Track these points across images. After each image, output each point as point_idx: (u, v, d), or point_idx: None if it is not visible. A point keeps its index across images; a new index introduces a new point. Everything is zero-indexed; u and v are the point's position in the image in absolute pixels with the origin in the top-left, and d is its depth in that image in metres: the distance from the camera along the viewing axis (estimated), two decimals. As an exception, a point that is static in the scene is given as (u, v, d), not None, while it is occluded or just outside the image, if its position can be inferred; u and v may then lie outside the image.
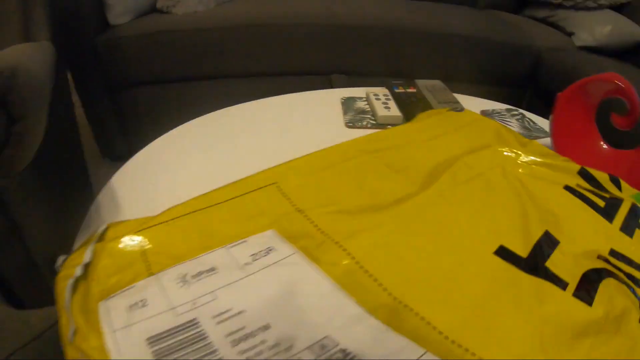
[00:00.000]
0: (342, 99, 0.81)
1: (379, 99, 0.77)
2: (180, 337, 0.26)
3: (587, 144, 0.67)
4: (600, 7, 1.75)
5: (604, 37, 1.65)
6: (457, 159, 0.47)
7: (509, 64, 1.62)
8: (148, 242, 0.33)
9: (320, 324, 0.27)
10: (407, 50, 1.50)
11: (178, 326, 0.26)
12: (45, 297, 0.55)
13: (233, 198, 0.39)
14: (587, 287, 0.33)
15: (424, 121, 0.59)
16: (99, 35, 1.30)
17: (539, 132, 0.77)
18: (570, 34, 1.74)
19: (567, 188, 0.44)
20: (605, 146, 0.67)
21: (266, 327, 0.27)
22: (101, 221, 0.40)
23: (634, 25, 1.68)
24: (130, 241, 0.33)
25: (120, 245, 0.32)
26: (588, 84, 0.65)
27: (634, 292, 0.33)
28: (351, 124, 0.71)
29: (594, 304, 0.31)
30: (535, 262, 0.35)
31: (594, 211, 0.42)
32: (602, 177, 0.49)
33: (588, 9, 1.75)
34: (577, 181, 0.47)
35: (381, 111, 0.73)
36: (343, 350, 0.26)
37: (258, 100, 0.80)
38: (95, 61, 1.30)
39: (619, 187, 0.48)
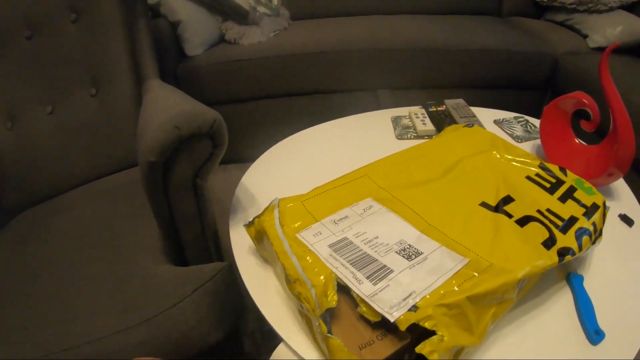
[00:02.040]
0: (391, 117, 1.23)
1: (418, 117, 1.18)
2: (341, 244, 0.67)
3: (564, 141, 1.06)
4: (612, 8, 2.03)
5: (616, 38, 1.94)
6: (464, 158, 0.89)
7: (529, 70, 1.97)
8: (309, 205, 0.74)
9: (398, 235, 0.69)
10: (439, 65, 1.89)
11: (338, 240, 0.67)
12: (203, 261, 0.94)
13: (345, 183, 0.81)
14: (523, 221, 0.73)
15: (448, 134, 0.99)
16: (179, 65, 1.73)
17: (537, 134, 1.16)
18: (585, 36, 2.05)
19: (527, 177, 0.85)
20: (577, 142, 1.06)
21: (377, 237, 0.68)
22: (244, 206, 0.86)
23: (644, 22, 1.94)
24: (300, 205, 0.74)
25: (295, 207, 0.74)
26: (564, 99, 1.03)
27: (550, 230, 0.72)
28: (400, 137, 1.14)
29: (523, 227, 0.72)
30: (498, 207, 0.76)
31: (540, 188, 0.82)
32: (554, 168, 0.87)
33: (600, 11, 2.04)
34: (536, 171, 0.86)
35: (420, 126, 1.14)
36: (409, 245, 0.67)
37: (332, 121, 1.22)
38: (177, 86, 1.73)
39: (565, 174, 0.86)
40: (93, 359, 0.75)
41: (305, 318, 0.63)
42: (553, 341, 0.67)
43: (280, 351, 0.65)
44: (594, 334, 0.66)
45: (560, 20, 2.23)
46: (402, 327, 0.54)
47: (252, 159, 1.06)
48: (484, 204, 0.77)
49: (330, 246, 0.66)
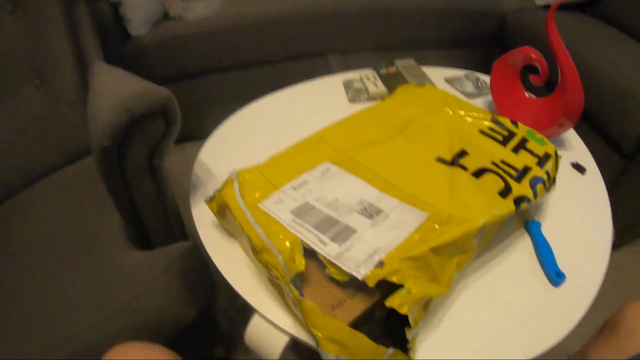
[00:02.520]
0: (343, 81, 1.24)
1: (370, 80, 1.20)
2: (303, 209, 0.68)
3: (514, 96, 1.10)
4: None
5: None
6: (418, 116, 0.92)
7: (478, 28, 2.03)
8: (268, 174, 0.75)
9: (358, 195, 0.70)
10: (389, 27, 1.92)
11: (300, 205, 0.68)
12: (169, 242, 0.95)
13: (302, 149, 0.82)
14: (478, 172, 0.76)
15: (401, 94, 1.01)
16: (124, 46, 1.69)
17: (487, 90, 1.20)
18: None
19: (480, 130, 0.88)
20: (527, 96, 1.10)
21: (338, 199, 0.69)
22: (204, 182, 0.89)
23: (592, -20, 2.01)
24: (259, 175, 0.75)
25: (254, 177, 0.75)
26: (512, 55, 1.06)
27: (504, 180, 0.76)
28: (353, 100, 1.15)
29: (479, 179, 0.75)
30: (453, 161, 0.79)
31: (494, 141, 0.85)
32: (506, 121, 0.91)
33: None
34: (489, 125, 0.90)
35: (372, 88, 1.16)
36: (370, 204, 0.69)
37: (284, 90, 1.22)
38: (124, 68, 1.69)
39: (517, 126, 0.90)
40: (74, 357, 0.76)
41: (276, 286, 0.65)
42: (517, 285, 0.72)
43: (255, 322, 0.66)
44: (555, 276, 0.71)
45: (507, -21, 2.27)
46: (371, 284, 0.56)
47: (207, 135, 1.05)
48: (440, 159, 0.80)
49: (292, 212, 0.67)
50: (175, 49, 1.74)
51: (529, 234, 0.81)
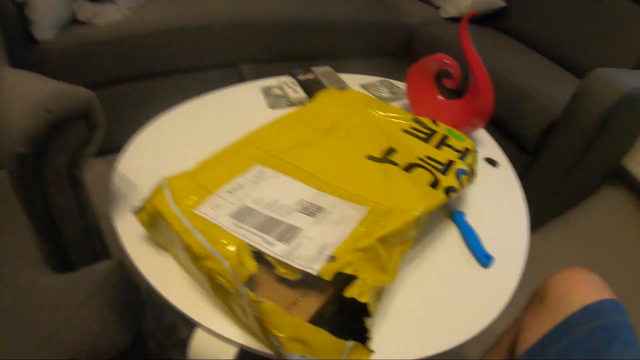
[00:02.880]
0: (261, 88, 1.24)
1: (289, 86, 1.21)
2: (242, 212, 0.67)
3: (430, 99, 1.17)
4: None
5: (467, 8, 2.17)
6: (343, 118, 0.95)
7: (387, 40, 2.13)
8: (200, 179, 0.73)
9: (296, 195, 0.71)
10: (299, 37, 1.96)
11: (239, 209, 0.67)
12: (92, 262, 0.87)
13: (232, 153, 0.81)
14: (408, 167, 0.80)
15: (323, 98, 1.04)
16: (29, 52, 1.56)
17: (402, 95, 1.26)
18: (437, 8, 2.27)
19: (404, 130, 0.93)
20: (441, 98, 1.17)
21: (276, 200, 0.69)
22: (125, 194, 0.85)
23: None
24: (191, 180, 0.73)
25: (186, 183, 0.73)
26: (427, 61, 1.13)
27: (433, 173, 0.80)
28: (273, 106, 1.16)
29: (410, 172, 0.79)
30: (384, 158, 0.83)
31: (417, 139, 0.90)
32: (427, 120, 0.97)
33: None
34: (411, 124, 0.95)
35: (292, 94, 1.17)
36: (310, 203, 0.70)
37: (201, 98, 1.20)
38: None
39: (437, 125, 0.96)
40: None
41: (220, 294, 0.63)
42: (451, 269, 0.78)
43: (198, 337, 0.64)
44: (484, 258, 0.78)
45: (413, -7, 2.41)
46: (327, 277, 0.57)
47: (120, 147, 1.00)
48: (370, 157, 0.84)
49: (231, 216, 0.66)
50: (83, 56, 1.65)
51: (455, 223, 0.87)
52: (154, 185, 0.73)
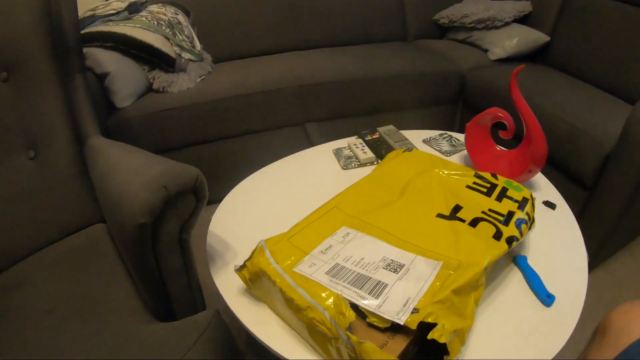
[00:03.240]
0: (332, 150, 1.39)
1: (357, 147, 1.35)
2: (335, 270, 0.81)
3: (488, 150, 1.27)
4: (507, 23, 2.36)
5: (513, 48, 2.27)
6: (413, 178, 1.09)
7: (442, 87, 2.24)
8: (295, 242, 0.88)
9: (380, 254, 0.85)
10: (360, 94, 2.11)
11: (332, 267, 0.82)
12: (190, 312, 1.01)
13: (320, 217, 0.96)
14: (473, 222, 0.92)
15: (392, 160, 1.18)
16: (109, 118, 1.75)
17: (462, 147, 1.38)
18: (485, 51, 2.36)
19: (467, 186, 1.05)
20: (498, 149, 1.28)
21: (363, 258, 0.84)
22: (220, 247, 1.01)
23: (535, 32, 2.30)
24: (287, 243, 0.88)
25: (283, 245, 0.87)
26: (482, 116, 1.24)
27: (495, 225, 0.91)
28: (345, 167, 1.30)
29: (476, 227, 0.90)
30: (452, 216, 0.95)
31: (480, 193, 1.02)
32: (487, 175, 1.08)
33: (497, 27, 2.36)
34: (473, 180, 1.07)
35: (362, 155, 1.31)
36: (392, 260, 0.83)
37: (277, 162, 1.36)
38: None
39: (496, 178, 1.07)
40: None
41: (317, 338, 0.76)
42: (518, 309, 0.87)
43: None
44: (546, 298, 0.87)
45: (461, 39, 2.55)
46: (413, 327, 0.69)
47: None
48: (440, 215, 0.96)
49: (327, 273, 0.80)
50: (159, 121, 1.81)
51: (518, 267, 0.97)
52: (251, 244, 0.89)
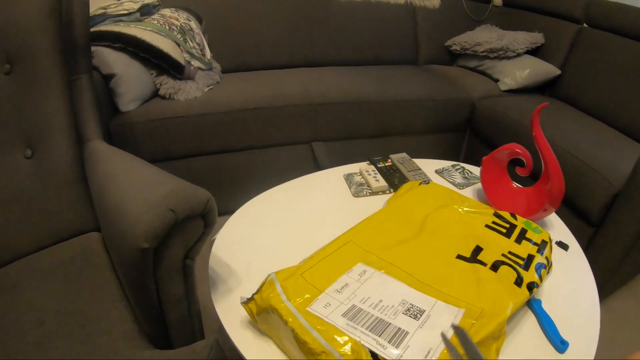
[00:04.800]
0: (344, 175, 1.34)
1: (369, 174, 1.31)
2: (352, 312, 0.75)
3: (504, 187, 1.23)
4: (519, 54, 2.34)
5: (524, 80, 2.24)
6: (431, 214, 1.04)
7: (451, 115, 2.22)
8: (308, 277, 0.83)
9: (399, 296, 0.79)
10: (371, 116, 2.07)
11: (349, 309, 0.76)
12: (188, 340, 0.95)
13: (334, 251, 0.91)
14: (494, 266, 0.87)
15: (408, 192, 1.14)
16: (111, 121, 1.70)
17: (474, 179, 1.33)
18: (496, 80, 2.34)
19: (486, 225, 1.01)
20: (514, 186, 1.23)
21: (381, 300, 0.78)
22: (222, 272, 0.94)
23: (547, 64, 2.29)
24: (300, 278, 0.83)
25: (296, 280, 0.82)
26: (500, 151, 1.20)
27: (516, 270, 0.87)
28: (356, 194, 1.25)
29: (497, 272, 0.85)
30: (473, 258, 0.90)
31: (499, 234, 0.98)
32: (506, 214, 1.04)
33: (509, 57, 2.34)
34: (492, 219, 1.02)
35: (374, 183, 1.26)
36: (412, 304, 0.77)
37: (286, 183, 1.30)
38: (109, 143, 1.64)
39: (515, 218, 1.03)
40: None
41: None
42: (533, 355, 0.82)
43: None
44: (560, 344, 0.83)
45: (472, 67, 2.53)
46: None
47: None
48: (460, 257, 0.92)
49: (343, 315, 0.75)
50: (163, 129, 1.78)
51: (532, 311, 0.91)
52: (258, 276, 0.83)
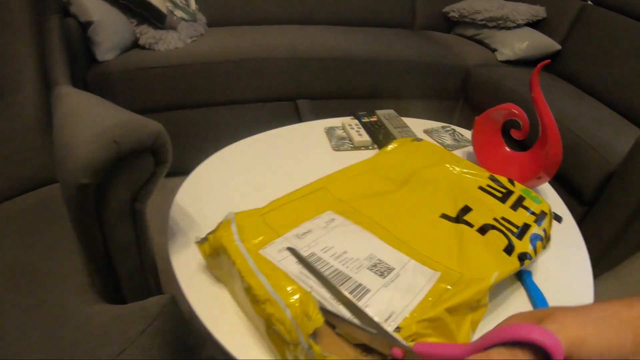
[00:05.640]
0: (325, 128, 1.21)
1: (352, 128, 1.18)
2: (310, 259, 0.63)
3: (496, 150, 1.12)
4: (519, 25, 2.24)
5: (522, 52, 2.15)
6: (419, 170, 0.91)
7: (444, 81, 2.11)
8: (269, 220, 0.71)
9: (366, 249, 0.67)
10: (357, 75, 1.95)
11: (307, 256, 0.64)
12: (143, 295, 0.81)
13: (303, 196, 0.79)
14: (483, 229, 0.75)
15: (397, 148, 1.01)
16: (88, 71, 1.59)
17: (465, 142, 1.21)
18: (493, 50, 2.24)
19: (480, 187, 0.88)
20: (508, 150, 1.12)
21: (346, 252, 0.66)
22: (183, 221, 0.81)
23: (547, 38, 2.20)
24: (259, 219, 0.70)
25: (254, 221, 0.70)
26: (495, 110, 1.08)
27: (508, 237, 0.75)
28: (336, 148, 1.12)
29: (485, 235, 0.74)
30: (458, 218, 0.78)
31: (493, 198, 0.85)
32: (503, 179, 0.92)
33: (508, 28, 2.24)
34: (487, 182, 0.90)
35: (356, 137, 1.14)
36: (380, 260, 0.65)
37: (265, 133, 1.17)
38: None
39: (513, 184, 0.90)
40: None
41: (275, 339, 0.59)
42: None
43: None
44: None
45: (469, 35, 2.41)
46: None
47: (170, 174, 0.92)
48: (444, 216, 0.79)
49: (298, 263, 0.63)
50: (142, 80, 1.66)
51: (521, 282, 0.80)
52: (221, 219, 0.70)
